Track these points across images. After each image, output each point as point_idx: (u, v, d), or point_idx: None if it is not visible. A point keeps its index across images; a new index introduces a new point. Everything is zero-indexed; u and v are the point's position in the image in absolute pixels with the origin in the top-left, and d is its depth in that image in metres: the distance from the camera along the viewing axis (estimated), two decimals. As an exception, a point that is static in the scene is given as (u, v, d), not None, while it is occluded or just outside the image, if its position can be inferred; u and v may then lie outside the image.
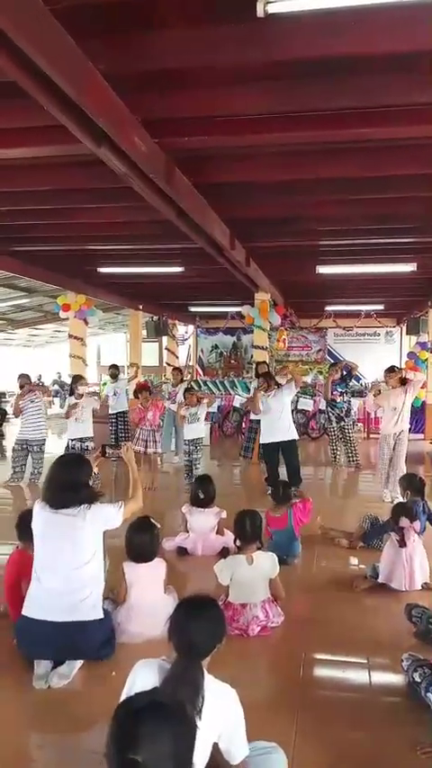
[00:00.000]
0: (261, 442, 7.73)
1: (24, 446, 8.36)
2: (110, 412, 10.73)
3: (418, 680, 2.95)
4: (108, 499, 3.68)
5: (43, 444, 8.46)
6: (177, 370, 10.91)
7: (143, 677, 2.05)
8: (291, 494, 5.28)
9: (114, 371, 11.42)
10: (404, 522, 4.44)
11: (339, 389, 9.38)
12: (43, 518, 3.40)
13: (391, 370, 7.66)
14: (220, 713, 2.03)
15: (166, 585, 3.94)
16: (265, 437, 7.58)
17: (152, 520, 4.02)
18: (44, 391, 8.90)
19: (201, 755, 1.93)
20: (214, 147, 4.88)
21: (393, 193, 5.98)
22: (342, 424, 9.49)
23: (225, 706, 2.07)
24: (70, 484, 3.46)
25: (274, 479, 7.35)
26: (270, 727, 2.22)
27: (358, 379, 16.08)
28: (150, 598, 3.79)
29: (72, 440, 8.42)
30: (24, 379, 8.64)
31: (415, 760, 2.55)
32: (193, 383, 14.96)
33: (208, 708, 1.96)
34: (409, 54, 3.39)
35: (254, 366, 10.75)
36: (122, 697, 2.03)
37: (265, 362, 10.31)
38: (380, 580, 4.46)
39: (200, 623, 2.18)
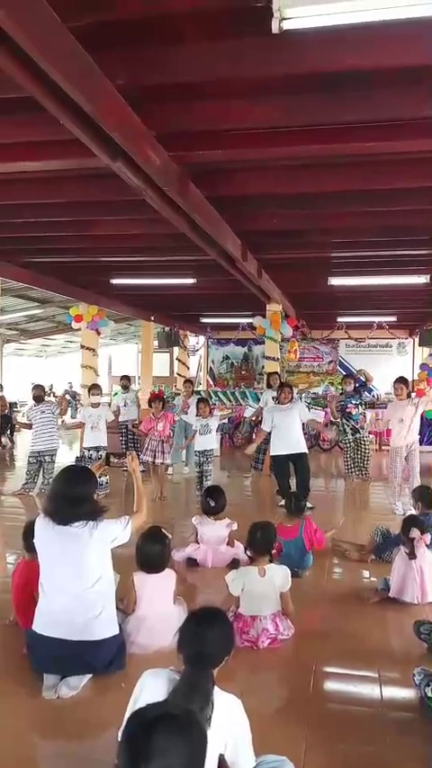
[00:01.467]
0: (271, 454, 7.71)
1: (38, 458, 8.33)
2: (120, 420, 10.72)
3: (431, 695, 2.93)
4: (117, 511, 3.66)
5: (54, 455, 8.45)
6: (189, 381, 10.89)
7: (151, 687, 2.06)
8: (303, 506, 5.27)
9: (125, 383, 11.30)
10: (414, 533, 4.41)
11: (354, 402, 9.32)
12: (47, 534, 3.32)
13: (400, 380, 7.62)
14: (227, 723, 2.03)
15: (175, 596, 3.94)
16: (275, 449, 7.57)
17: (163, 530, 4.02)
18: (62, 405, 8.78)
19: (208, 767, 1.93)
20: (228, 160, 4.92)
21: (405, 206, 6.00)
22: (357, 436, 9.42)
23: (231, 716, 2.07)
24: (75, 498, 3.34)
25: (285, 491, 7.35)
26: (280, 741, 2.21)
27: (371, 391, 16.04)
28: (160, 609, 3.78)
29: (87, 448, 8.49)
30: (38, 391, 8.55)
31: (427, 776, 2.52)
32: (203, 392, 14.99)
33: (215, 718, 1.96)
34: (420, 68, 3.42)
35: (265, 377, 10.71)
36: (129, 706, 2.04)
37: (276, 373, 10.29)
38: (391, 594, 4.42)
39: (210, 634, 2.18)
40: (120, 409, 10.55)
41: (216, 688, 2.07)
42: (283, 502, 7.27)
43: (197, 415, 8.13)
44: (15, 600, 3.81)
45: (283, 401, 7.45)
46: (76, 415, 11.89)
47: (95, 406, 8.52)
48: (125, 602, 3.79)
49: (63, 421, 19.34)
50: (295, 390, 8.35)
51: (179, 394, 11.17)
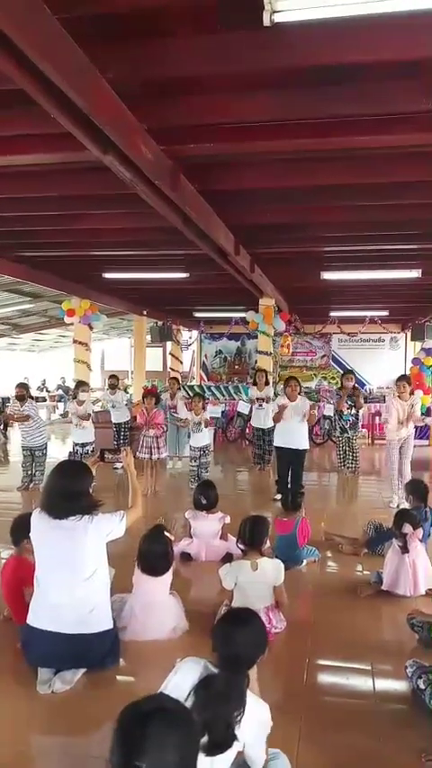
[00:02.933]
0: (275, 444, 7.69)
1: (29, 452, 8.44)
2: (113, 420, 10.62)
3: (423, 687, 2.96)
4: (110, 507, 3.66)
5: (45, 449, 8.51)
6: (174, 379, 10.78)
7: (185, 672, 2.08)
8: (300, 503, 5.28)
9: (113, 381, 10.83)
10: (407, 528, 4.43)
11: (348, 402, 9.40)
12: (43, 528, 3.33)
13: (403, 378, 7.55)
14: (254, 726, 2.04)
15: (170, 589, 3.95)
16: (279, 441, 7.56)
17: (166, 532, 4.01)
18: (21, 419, 8.52)
19: (224, 762, 1.94)
20: (220, 154, 4.89)
21: (398, 200, 6.00)
22: (346, 435, 9.51)
23: (258, 720, 2.09)
24: (71, 492, 3.36)
25: (284, 485, 7.37)
26: (274, 733, 2.21)
27: (363, 385, 16.09)
28: (156, 597, 3.82)
29: (75, 444, 8.64)
30: (21, 390, 8.49)
31: (420, 767, 2.54)
32: (186, 388, 14.95)
33: (244, 720, 1.99)
34: (416, 61, 3.41)
35: (254, 373, 10.68)
36: (161, 688, 2.04)
37: (264, 370, 10.25)
38: (383, 587, 4.45)
39: (245, 634, 2.24)
40: (111, 412, 10.46)
41: (248, 691, 2.09)
42: (278, 496, 7.33)
43: (189, 410, 8.15)
44: (6, 596, 3.81)
45: (290, 396, 7.37)
46: (68, 409, 11.81)
47: (80, 403, 8.55)
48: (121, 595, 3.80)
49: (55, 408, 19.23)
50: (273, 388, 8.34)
51: (166, 391, 10.99)
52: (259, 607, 3.76)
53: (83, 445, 8.53)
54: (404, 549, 4.40)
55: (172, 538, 4.03)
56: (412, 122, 4.05)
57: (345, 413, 9.41)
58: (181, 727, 1.51)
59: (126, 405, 10.56)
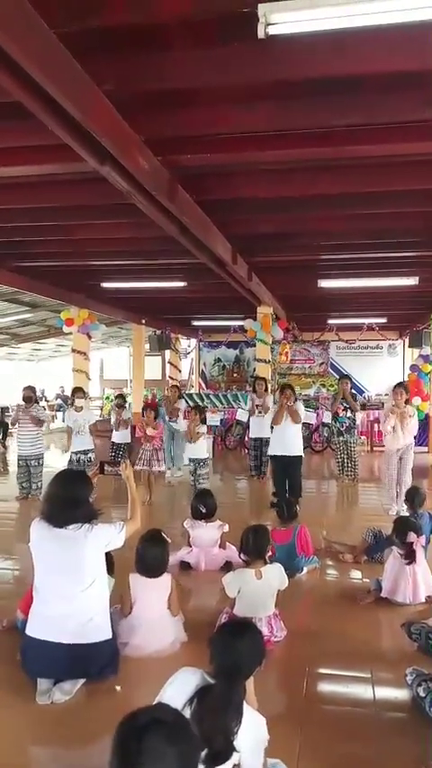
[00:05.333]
0: (269, 453, 7.71)
1: (25, 462, 8.38)
2: (113, 440, 10.31)
3: (423, 694, 2.95)
4: (107, 516, 3.65)
5: (41, 458, 8.44)
6: (175, 387, 10.73)
7: (181, 683, 2.07)
8: (296, 512, 5.27)
9: (120, 402, 10.41)
10: (411, 537, 4.42)
11: (343, 405, 9.44)
12: (43, 536, 3.33)
13: (401, 386, 7.48)
14: (250, 739, 2.04)
15: (174, 604, 3.91)
16: (272, 449, 7.57)
17: (163, 534, 4.01)
18: (35, 421, 8.45)
19: None
20: (217, 164, 4.94)
21: (394, 208, 6.04)
22: (343, 438, 9.52)
23: (255, 733, 2.09)
24: (71, 501, 3.36)
25: (281, 493, 7.37)
26: (273, 742, 2.21)
27: (361, 392, 16.11)
28: (155, 612, 3.79)
29: (74, 452, 8.60)
30: (28, 392, 8.45)
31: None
32: (186, 397, 14.90)
33: (240, 731, 1.98)
34: (408, 73, 3.44)
35: (253, 381, 10.68)
36: (157, 698, 2.04)
37: (263, 379, 10.25)
38: (383, 594, 4.44)
39: (242, 645, 2.24)
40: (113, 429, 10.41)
41: (244, 702, 2.08)
42: (273, 500, 7.25)
43: (184, 419, 8.16)
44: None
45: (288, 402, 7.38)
46: (65, 418, 11.77)
47: (79, 410, 8.53)
48: (120, 605, 3.79)
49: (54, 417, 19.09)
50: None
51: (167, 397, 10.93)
52: (261, 616, 3.76)
53: (84, 452, 8.49)
54: (409, 558, 4.37)
55: (169, 540, 4.02)
56: (407, 132, 4.09)
57: (340, 415, 9.46)
58: (179, 740, 1.48)
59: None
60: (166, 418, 9.62)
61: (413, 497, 5.31)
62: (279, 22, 2.67)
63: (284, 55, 3.17)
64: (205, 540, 5.35)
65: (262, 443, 9.60)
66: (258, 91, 3.77)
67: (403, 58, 3.19)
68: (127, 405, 10.86)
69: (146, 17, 3.02)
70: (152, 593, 3.83)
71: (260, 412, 9.64)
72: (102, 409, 18.31)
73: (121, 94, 3.55)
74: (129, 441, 10.28)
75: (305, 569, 5.08)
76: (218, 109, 3.93)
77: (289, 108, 3.88)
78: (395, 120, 3.98)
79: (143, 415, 8.50)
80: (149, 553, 3.86)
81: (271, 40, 2.77)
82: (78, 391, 8.88)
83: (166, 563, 4.00)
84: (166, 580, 3.91)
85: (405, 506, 6.30)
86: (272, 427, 7.71)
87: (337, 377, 13.11)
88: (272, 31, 2.70)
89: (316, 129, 4.14)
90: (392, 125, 4.04)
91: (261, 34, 2.70)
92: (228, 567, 4.97)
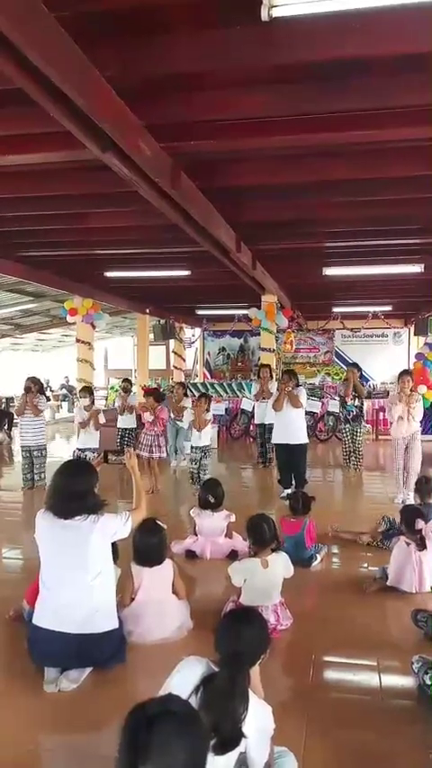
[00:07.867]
0: (273, 442, 7.70)
1: (27, 452, 8.39)
2: (118, 425, 10.33)
3: (429, 682, 2.95)
4: (112, 507, 3.65)
5: (43, 449, 8.45)
6: (180, 384, 10.53)
7: (186, 672, 2.06)
8: (310, 505, 5.25)
9: (126, 385, 10.46)
10: (420, 524, 4.41)
11: (352, 393, 9.42)
12: (48, 527, 3.33)
13: (406, 373, 7.47)
14: (255, 728, 2.03)
15: (178, 590, 3.92)
16: (275, 438, 7.56)
17: (159, 522, 4.01)
18: (35, 410, 8.41)
19: (226, 763, 1.93)
20: (220, 150, 4.89)
21: (399, 195, 5.97)
22: (350, 426, 9.49)
23: (261, 722, 2.08)
24: (76, 492, 3.36)
25: (287, 483, 7.36)
26: (280, 730, 2.21)
27: (367, 380, 16.07)
28: (158, 600, 3.80)
29: (79, 449, 8.56)
30: (28, 382, 8.39)
31: (427, 763, 2.54)
32: (190, 386, 14.87)
33: (246, 719, 1.98)
34: (412, 55, 3.39)
35: (258, 368, 10.67)
36: (163, 687, 2.04)
37: (268, 366, 10.24)
38: (389, 582, 4.44)
39: (247, 632, 2.25)
40: (118, 414, 10.42)
41: (250, 692, 2.08)
42: (285, 494, 7.21)
43: (196, 408, 8.14)
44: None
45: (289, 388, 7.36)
46: (73, 410, 11.78)
47: (88, 408, 8.55)
48: (121, 596, 3.80)
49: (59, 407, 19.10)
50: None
51: (171, 391, 10.74)
52: (268, 604, 3.77)
53: (90, 450, 8.38)
54: (421, 546, 4.37)
55: (165, 527, 4.02)
56: (412, 117, 4.03)
57: (348, 402, 9.41)
58: (188, 731, 1.48)
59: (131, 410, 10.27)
60: (172, 415, 9.58)
61: (422, 487, 5.30)
62: (282, 3, 2.63)
63: (287, 38, 3.11)
64: (211, 529, 5.35)
65: (265, 429, 9.57)
66: (261, 75, 3.72)
67: (408, 40, 3.13)
68: (133, 391, 10.83)
69: (147, 0, 2.98)
70: (154, 581, 3.84)
71: (263, 399, 9.63)
72: (107, 399, 18.31)
73: (123, 79, 3.50)
74: (134, 426, 10.27)
75: (318, 557, 5.07)
76: (220, 94, 3.89)
77: (292, 93, 3.83)
78: (401, 105, 3.92)
79: (145, 402, 8.48)
80: (146, 543, 3.85)
81: (274, 22, 2.73)
82: (84, 391, 8.93)
83: (165, 550, 4.00)
84: (167, 567, 3.92)
85: (411, 494, 6.30)
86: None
87: (343, 366, 13.09)
88: (275, 13, 2.66)
89: (320, 114, 4.08)
90: (398, 109, 3.98)
91: (264, 16, 2.66)
92: (233, 555, 4.98)
